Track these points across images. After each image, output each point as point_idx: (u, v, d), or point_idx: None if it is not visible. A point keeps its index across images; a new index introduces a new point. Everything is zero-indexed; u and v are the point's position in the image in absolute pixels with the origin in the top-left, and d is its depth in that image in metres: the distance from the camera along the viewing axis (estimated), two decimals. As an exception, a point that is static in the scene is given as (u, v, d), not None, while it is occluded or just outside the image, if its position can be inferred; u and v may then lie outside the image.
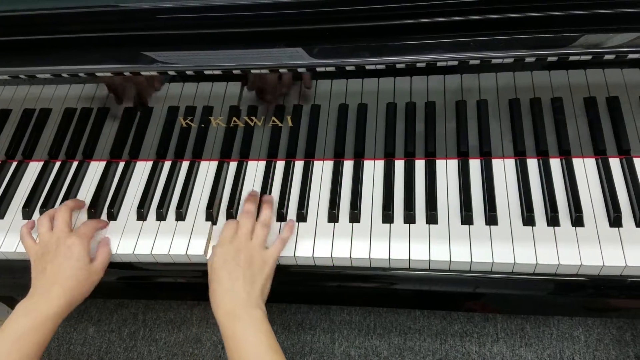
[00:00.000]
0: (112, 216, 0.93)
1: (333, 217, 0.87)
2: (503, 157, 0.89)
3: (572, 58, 0.76)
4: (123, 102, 0.94)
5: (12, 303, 1.41)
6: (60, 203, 0.95)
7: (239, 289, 0.77)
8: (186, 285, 0.96)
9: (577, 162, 0.88)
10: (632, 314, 1.04)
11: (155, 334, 1.36)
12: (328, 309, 1.37)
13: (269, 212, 0.87)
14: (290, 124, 0.92)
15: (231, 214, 0.89)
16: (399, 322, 1.33)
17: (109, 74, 0.87)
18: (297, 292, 0.98)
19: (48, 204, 0.95)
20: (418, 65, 0.81)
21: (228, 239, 0.83)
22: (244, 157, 0.96)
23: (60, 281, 0.79)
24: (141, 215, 0.92)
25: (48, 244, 0.83)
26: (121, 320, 1.40)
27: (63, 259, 0.80)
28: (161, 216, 0.91)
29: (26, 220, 0.94)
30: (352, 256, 0.83)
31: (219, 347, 1.31)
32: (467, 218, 0.84)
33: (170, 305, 1.40)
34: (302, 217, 0.88)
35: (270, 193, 0.92)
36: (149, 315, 1.40)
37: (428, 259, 0.82)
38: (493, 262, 0.80)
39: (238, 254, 0.80)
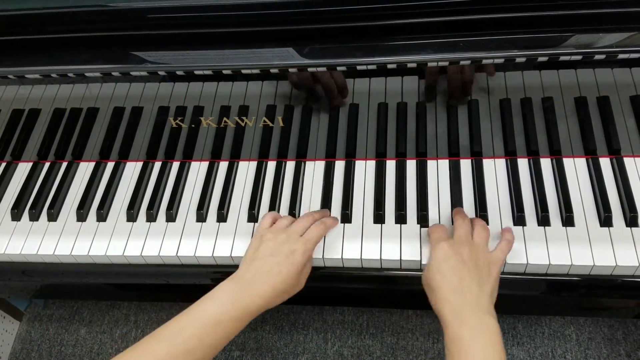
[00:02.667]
0: (102, 217, 0.92)
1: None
2: (494, 157, 0.89)
3: (562, 58, 0.76)
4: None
5: (3, 304, 1.40)
6: (50, 204, 0.94)
7: (466, 288, 0.72)
8: (173, 286, 0.96)
9: (567, 162, 0.88)
10: (623, 313, 1.04)
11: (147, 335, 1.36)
12: (321, 309, 1.37)
13: (486, 226, 0.82)
14: (281, 124, 0.92)
15: (222, 215, 0.89)
16: (392, 321, 1.33)
17: (98, 74, 0.86)
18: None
19: (37, 205, 0.94)
20: (409, 65, 0.81)
21: (444, 237, 0.78)
22: (235, 157, 0.96)
23: (270, 281, 0.75)
24: (131, 217, 0.91)
25: (278, 235, 0.80)
26: (113, 321, 1.39)
27: (284, 259, 0.76)
28: (151, 217, 0.91)
29: (15, 222, 0.94)
30: (343, 257, 0.83)
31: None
32: (458, 218, 0.84)
33: (161, 306, 1.40)
34: (293, 217, 0.88)
35: (261, 194, 0.92)
36: (141, 316, 1.39)
37: (419, 259, 0.82)
38: (484, 262, 0.80)
39: (461, 250, 0.75)
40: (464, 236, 0.77)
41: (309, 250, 0.79)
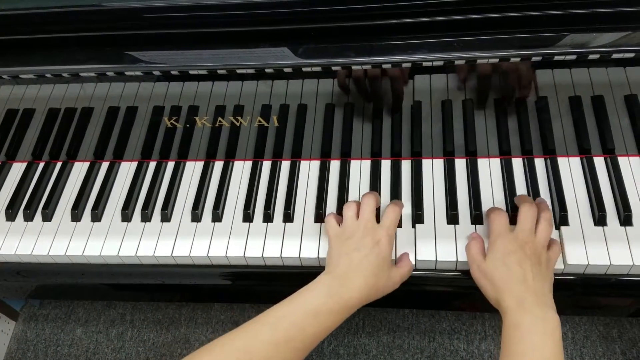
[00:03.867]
0: (96, 218, 0.92)
1: (319, 217, 0.87)
2: (488, 156, 0.90)
3: (557, 57, 0.76)
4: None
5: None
6: (44, 204, 0.94)
7: (530, 279, 0.72)
8: (169, 286, 0.96)
9: (562, 161, 0.88)
10: (619, 311, 1.04)
11: (143, 335, 1.36)
12: (317, 307, 1.36)
13: (550, 213, 0.81)
14: (276, 123, 0.92)
15: (217, 215, 0.89)
16: (388, 320, 1.34)
17: (92, 74, 0.86)
18: (284, 292, 0.98)
19: (32, 205, 0.94)
20: (404, 65, 0.81)
21: (506, 228, 0.78)
22: (230, 157, 0.96)
23: (364, 274, 0.74)
24: (126, 217, 0.91)
25: (354, 230, 0.79)
26: (109, 321, 1.39)
27: (370, 251, 0.76)
28: (146, 217, 0.91)
29: (9, 223, 0.94)
30: (338, 256, 0.83)
31: (208, 347, 1.31)
32: (452, 217, 0.84)
33: (157, 305, 1.39)
34: (289, 217, 0.88)
35: (256, 193, 0.92)
36: (137, 316, 1.39)
37: (414, 258, 0.82)
38: (479, 261, 0.80)
39: (524, 245, 0.75)
40: (528, 231, 0.77)
41: (392, 239, 0.79)
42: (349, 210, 0.81)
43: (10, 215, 0.94)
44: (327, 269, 0.78)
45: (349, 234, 0.79)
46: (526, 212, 0.78)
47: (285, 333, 0.70)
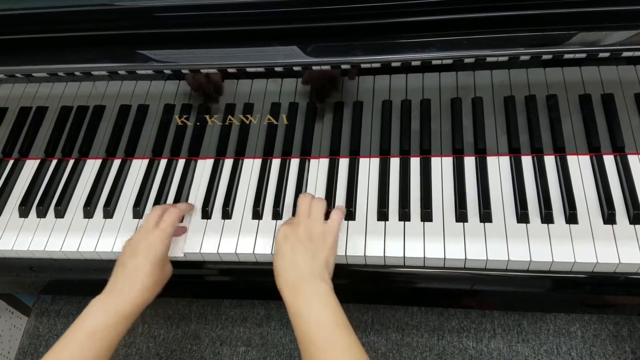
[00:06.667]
0: (108, 214, 0.93)
1: (326, 214, 0.87)
2: (498, 154, 0.89)
3: (567, 56, 0.76)
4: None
5: (11, 300, 1.42)
6: (57, 201, 0.95)
7: (300, 261, 0.76)
8: (179, 282, 0.97)
9: (571, 160, 0.88)
10: (629, 310, 1.04)
11: (153, 330, 1.37)
12: (326, 305, 1.37)
13: (320, 198, 0.87)
14: (285, 122, 0.92)
15: (227, 212, 0.90)
16: (397, 318, 1.34)
17: (104, 73, 0.87)
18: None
19: (45, 202, 0.95)
20: (413, 63, 0.81)
21: (288, 220, 0.84)
22: (240, 155, 0.96)
23: (139, 279, 0.78)
24: (137, 214, 0.92)
25: (135, 234, 0.83)
26: (120, 316, 1.40)
27: (143, 257, 0.79)
28: (157, 214, 0.92)
29: (23, 219, 0.95)
30: (347, 254, 0.84)
31: (217, 344, 1.32)
32: (461, 215, 0.84)
33: (168, 301, 1.41)
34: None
35: (266, 191, 0.92)
36: (147, 312, 1.39)
37: (422, 256, 0.82)
38: (487, 259, 0.80)
39: (297, 228, 0.80)
40: (302, 214, 0.82)
41: (167, 238, 0.82)
42: (144, 219, 0.85)
43: (24, 211, 0.96)
44: (107, 285, 0.79)
45: (127, 240, 0.83)
46: (300, 200, 0.85)
47: None
